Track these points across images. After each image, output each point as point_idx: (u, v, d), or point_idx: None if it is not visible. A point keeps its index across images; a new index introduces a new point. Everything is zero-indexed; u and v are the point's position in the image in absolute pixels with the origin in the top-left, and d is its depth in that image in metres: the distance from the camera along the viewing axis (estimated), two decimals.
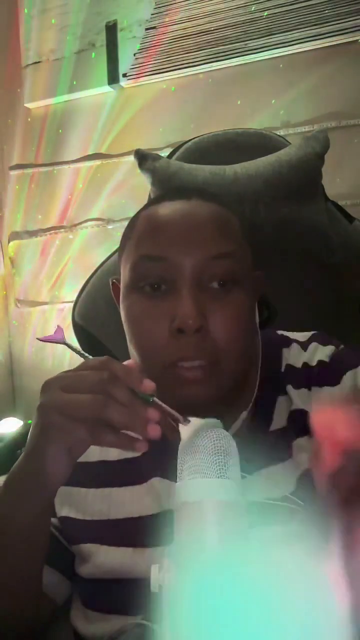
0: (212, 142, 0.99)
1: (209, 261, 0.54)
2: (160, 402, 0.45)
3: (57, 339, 0.49)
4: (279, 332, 0.68)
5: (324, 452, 0.30)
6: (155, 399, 0.45)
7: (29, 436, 0.49)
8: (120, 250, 0.62)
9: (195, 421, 0.43)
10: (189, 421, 0.43)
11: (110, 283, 0.65)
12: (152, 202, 0.62)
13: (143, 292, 0.55)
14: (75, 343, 0.95)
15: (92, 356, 0.48)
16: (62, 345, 0.50)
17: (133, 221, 0.61)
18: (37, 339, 0.51)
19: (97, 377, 0.44)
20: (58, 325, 0.50)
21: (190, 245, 0.54)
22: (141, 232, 0.58)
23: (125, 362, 0.48)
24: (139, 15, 1.56)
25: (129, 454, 0.63)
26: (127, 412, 0.44)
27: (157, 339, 0.53)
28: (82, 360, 0.49)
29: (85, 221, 1.69)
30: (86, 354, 0.49)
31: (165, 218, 0.57)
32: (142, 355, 0.55)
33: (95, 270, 1.00)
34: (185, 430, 0.43)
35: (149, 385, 0.45)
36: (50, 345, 1.74)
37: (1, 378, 1.78)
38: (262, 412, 0.61)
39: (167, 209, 0.58)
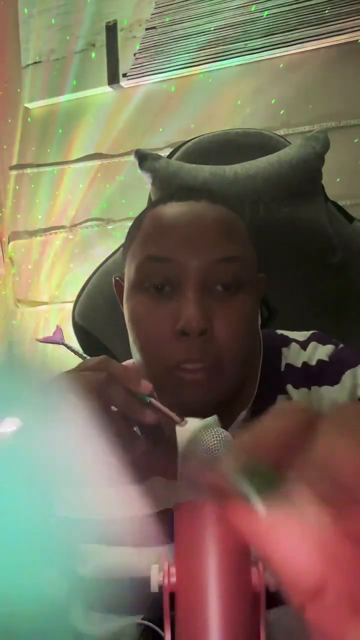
0: (212, 142, 0.99)
1: (215, 264, 0.53)
2: (157, 403, 0.45)
3: (56, 339, 0.49)
4: (278, 331, 0.68)
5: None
6: (152, 400, 0.45)
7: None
8: (125, 248, 0.61)
9: (192, 422, 0.43)
10: (186, 422, 0.43)
11: (113, 280, 0.65)
12: (159, 201, 0.61)
13: (148, 293, 0.55)
14: (75, 344, 0.95)
15: (92, 357, 0.48)
16: (61, 345, 0.50)
17: (140, 220, 0.60)
18: (37, 340, 0.51)
19: (95, 378, 0.44)
20: (57, 326, 0.50)
21: (197, 248, 0.54)
22: (148, 232, 0.57)
23: (123, 363, 0.48)
24: (139, 15, 1.56)
25: None
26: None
27: (161, 340, 0.53)
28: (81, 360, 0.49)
29: (85, 221, 1.69)
30: (85, 355, 0.49)
31: (172, 219, 0.56)
32: (145, 356, 0.55)
33: (95, 270, 1.00)
34: (182, 431, 0.43)
35: (146, 385, 0.45)
36: (50, 345, 1.74)
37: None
38: (261, 411, 0.60)
39: (175, 209, 0.57)
